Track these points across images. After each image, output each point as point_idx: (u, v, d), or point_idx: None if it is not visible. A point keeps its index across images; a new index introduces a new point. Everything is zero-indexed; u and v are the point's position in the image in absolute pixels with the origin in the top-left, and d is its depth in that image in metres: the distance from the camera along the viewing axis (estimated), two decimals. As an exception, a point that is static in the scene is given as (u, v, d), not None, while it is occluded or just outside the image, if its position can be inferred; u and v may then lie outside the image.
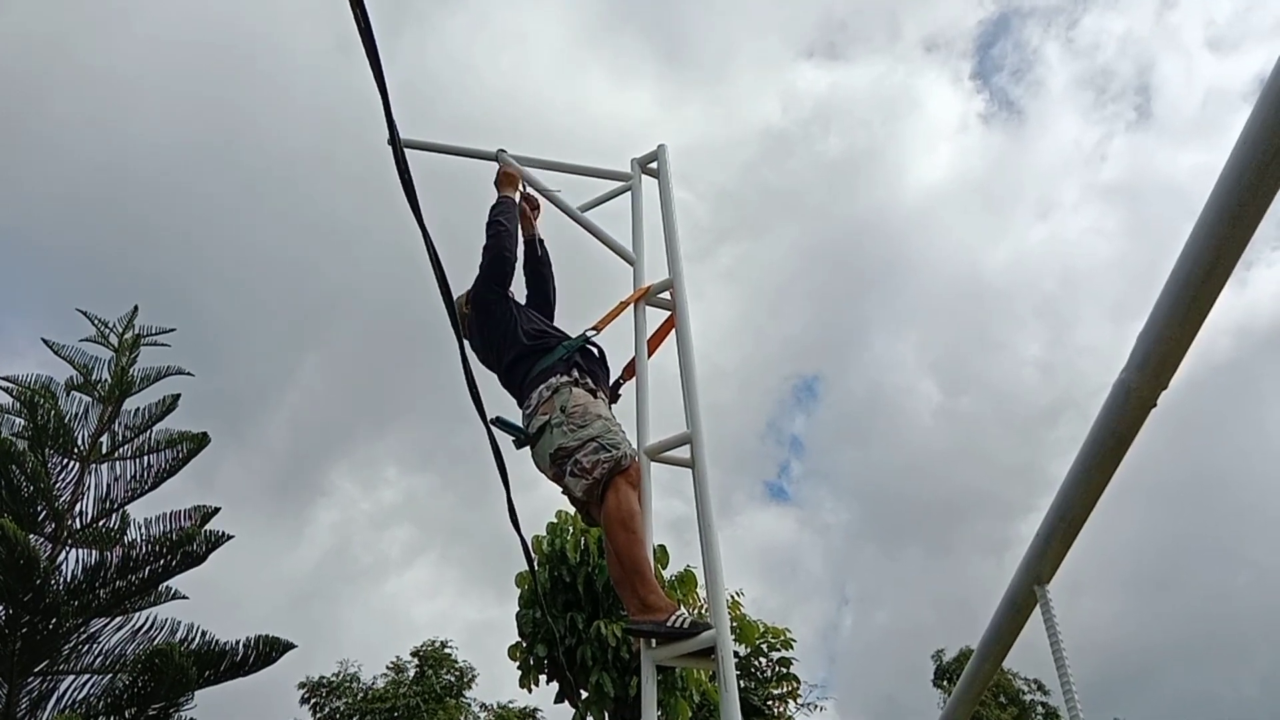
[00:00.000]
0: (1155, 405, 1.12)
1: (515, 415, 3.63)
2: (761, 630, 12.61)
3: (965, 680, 1.76)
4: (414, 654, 19.84)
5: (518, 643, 11.70)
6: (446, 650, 19.82)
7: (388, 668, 19.71)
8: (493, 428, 3.34)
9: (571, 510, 12.25)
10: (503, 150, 4.32)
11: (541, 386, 3.46)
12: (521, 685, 11.59)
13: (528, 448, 3.50)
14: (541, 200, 4.33)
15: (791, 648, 12.68)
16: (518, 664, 11.65)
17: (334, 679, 19.32)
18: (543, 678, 11.59)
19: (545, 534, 12.04)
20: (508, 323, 3.71)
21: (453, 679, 19.45)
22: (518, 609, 11.80)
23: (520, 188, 4.25)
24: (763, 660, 12.78)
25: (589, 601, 11.42)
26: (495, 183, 4.23)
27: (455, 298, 2.42)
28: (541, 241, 4.28)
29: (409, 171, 1.76)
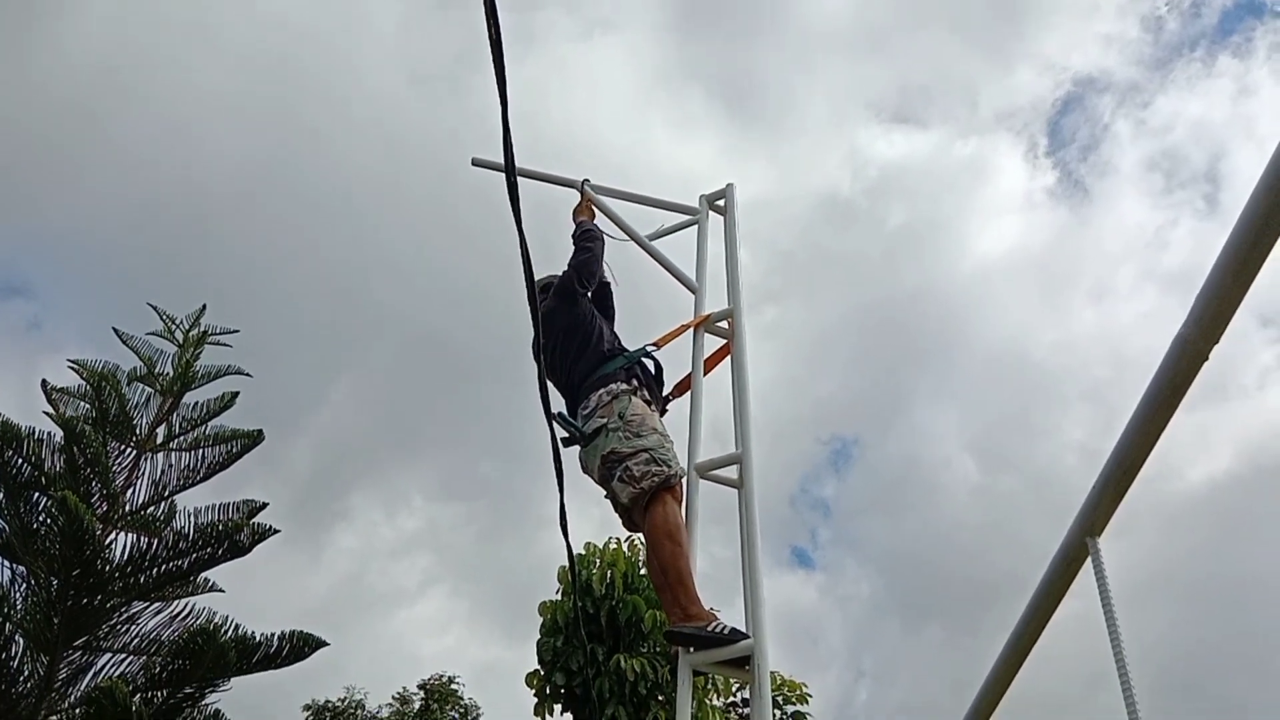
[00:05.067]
0: (1208, 359, 1.25)
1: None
2: (778, 682, 12.64)
3: (1012, 640, 1.83)
4: (421, 687, 19.76)
5: (535, 670, 11.89)
6: (453, 686, 19.74)
7: (393, 698, 19.65)
8: (554, 423, 3.56)
9: (600, 542, 12.52)
10: (587, 180, 4.59)
11: (602, 390, 3.61)
12: (536, 714, 11.74)
13: (575, 448, 3.62)
14: (609, 228, 4.65)
15: (807, 703, 12.71)
16: (534, 692, 11.83)
17: (339, 704, 19.33)
18: (558, 707, 11.75)
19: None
20: (590, 320, 3.88)
21: (456, 716, 19.37)
22: (539, 637, 12.01)
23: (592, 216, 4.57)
24: (777, 713, 12.80)
25: (610, 635, 11.59)
26: (574, 210, 4.49)
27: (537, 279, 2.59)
28: (608, 283, 4.44)
29: (515, 180, 2.06)
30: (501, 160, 2.01)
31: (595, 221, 4.44)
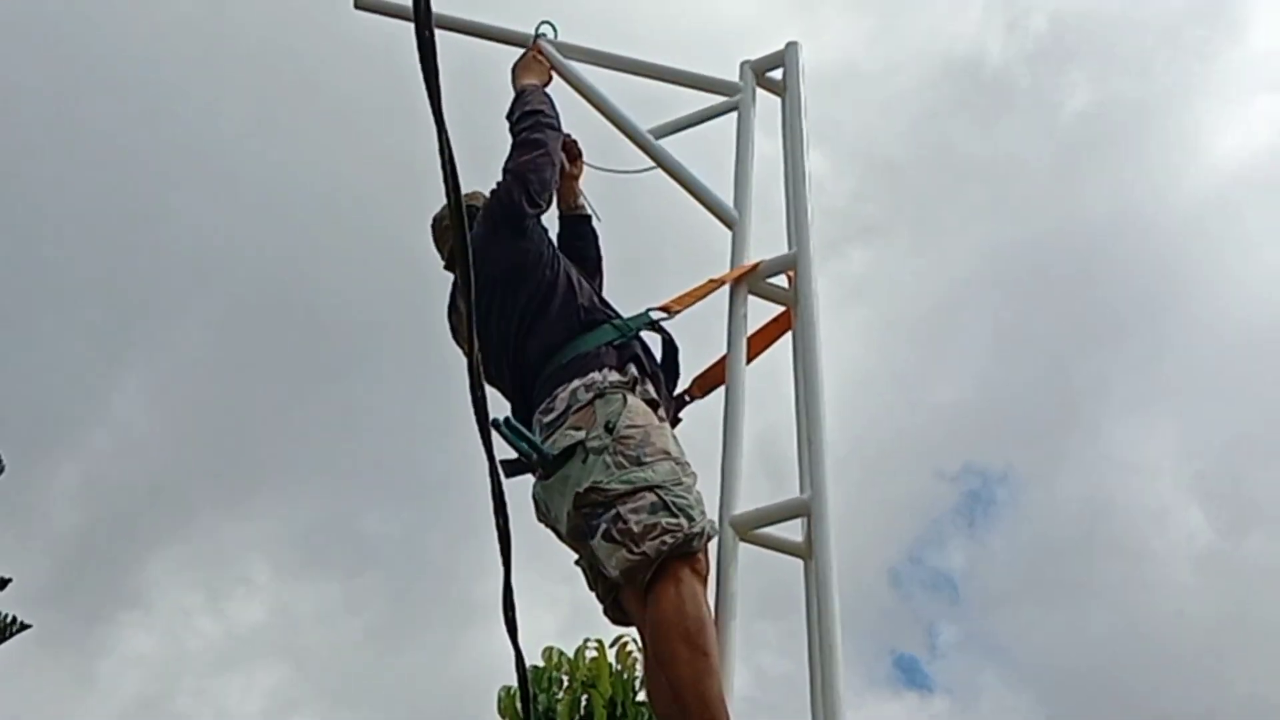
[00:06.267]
0: None
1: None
2: None
3: None
4: None
5: None
6: None
7: None
8: (496, 435, 3.23)
9: (569, 647, 12.45)
10: (547, 24, 4.56)
11: (577, 383, 3.56)
12: None
13: (529, 479, 3.58)
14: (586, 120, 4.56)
15: None
16: None
17: None
18: None
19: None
20: (550, 264, 3.84)
21: None
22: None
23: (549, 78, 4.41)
24: None
25: (587, 801, 11.61)
26: (515, 67, 4.40)
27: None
28: (590, 217, 4.46)
29: (431, 32, 1.94)
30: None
31: (550, 90, 4.37)
